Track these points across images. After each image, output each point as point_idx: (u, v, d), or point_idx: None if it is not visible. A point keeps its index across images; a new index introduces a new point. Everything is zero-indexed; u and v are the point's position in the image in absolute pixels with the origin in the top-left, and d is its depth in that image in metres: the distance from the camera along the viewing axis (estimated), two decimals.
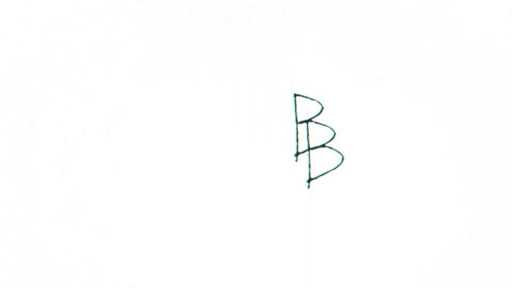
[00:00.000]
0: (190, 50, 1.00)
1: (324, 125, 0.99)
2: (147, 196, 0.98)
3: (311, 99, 0.99)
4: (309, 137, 0.99)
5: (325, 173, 0.99)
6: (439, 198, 0.99)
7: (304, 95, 0.99)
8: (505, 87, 1.00)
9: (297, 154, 0.99)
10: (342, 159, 0.99)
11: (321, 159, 0.99)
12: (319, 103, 0.99)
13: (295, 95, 0.99)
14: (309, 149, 0.99)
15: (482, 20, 1.00)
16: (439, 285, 0.98)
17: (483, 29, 1.00)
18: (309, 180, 0.99)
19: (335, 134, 0.99)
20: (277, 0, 1.00)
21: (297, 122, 0.99)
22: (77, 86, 0.99)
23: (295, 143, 0.99)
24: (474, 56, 1.00)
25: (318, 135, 0.99)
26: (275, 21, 1.00)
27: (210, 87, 0.99)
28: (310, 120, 0.99)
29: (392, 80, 1.00)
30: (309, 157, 0.99)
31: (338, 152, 0.99)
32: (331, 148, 0.99)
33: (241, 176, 0.98)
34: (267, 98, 0.99)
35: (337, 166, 0.99)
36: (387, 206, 0.99)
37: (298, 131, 0.99)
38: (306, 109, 0.99)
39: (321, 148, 0.99)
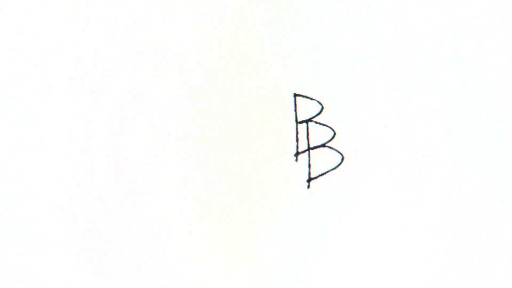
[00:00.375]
0: (190, 50, 1.00)
1: (324, 125, 0.99)
2: (150, 195, 0.98)
3: (311, 99, 0.99)
4: (309, 137, 0.99)
5: (325, 173, 0.99)
6: (439, 198, 0.99)
7: (304, 95, 0.99)
8: (505, 88, 1.00)
9: (297, 154, 0.99)
10: (342, 159, 0.99)
11: (321, 159, 0.99)
12: (319, 103, 0.99)
13: (295, 95, 0.99)
14: (309, 149, 0.99)
15: (481, 21, 1.00)
16: (438, 286, 0.98)
17: (482, 30, 1.00)
18: (309, 180, 0.99)
19: (335, 134, 0.99)
20: (277, 0, 1.00)
21: (297, 122, 0.99)
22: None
23: (295, 143, 0.99)
24: (475, 56, 1.00)
25: (318, 135, 0.99)
26: (275, 20, 1.00)
27: (210, 87, 0.99)
28: (310, 120, 0.99)
29: (392, 80, 1.00)
30: (309, 157, 0.99)
31: (338, 152, 0.99)
32: (331, 148, 0.99)
33: (241, 176, 0.98)
34: (267, 98, 0.99)
35: (337, 166, 0.99)
36: (387, 206, 0.99)
37: (298, 131, 0.99)
38: (306, 109, 0.99)
39: (321, 148, 0.99)
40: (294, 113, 0.99)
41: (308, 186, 0.99)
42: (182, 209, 0.98)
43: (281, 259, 0.98)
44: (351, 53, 1.00)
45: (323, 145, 0.99)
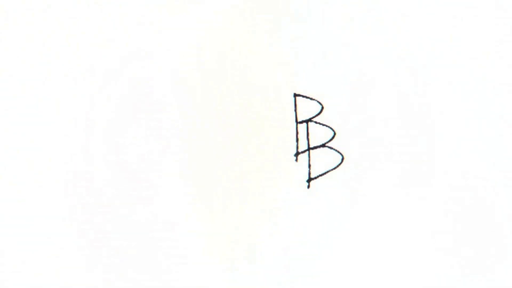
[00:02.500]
0: (190, 50, 1.00)
1: (324, 125, 0.99)
2: (150, 195, 0.98)
3: (311, 99, 0.99)
4: (309, 137, 0.99)
5: (325, 173, 0.99)
6: (439, 197, 0.99)
7: (304, 95, 0.99)
8: (505, 88, 1.00)
9: (297, 154, 0.99)
10: (342, 159, 0.99)
11: (321, 159, 0.99)
12: (319, 103, 0.99)
13: (295, 95, 0.99)
14: (309, 149, 0.99)
15: (482, 21, 1.00)
16: (439, 286, 0.98)
17: (482, 30, 1.00)
18: (309, 180, 0.99)
19: (335, 134, 0.99)
20: (277, 0, 1.00)
21: (297, 122, 0.99)
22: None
23: (295, 143, 0.99)
24: (475, 56, 1.00)
25: (318, 135, 0.99)
26: (275, 20, 1.00)
27: (210, 87, 0.99)
28: (310, 120, 0.99)
29: (392, 80, 1.00)
30: (309, 157, 0.99)
31: (338, 152, 0.99)
32: (331, 148, 0.99)
33: (241, 176, 0.98)
34: (267, 98, 0.99)
35: (337, 166, 0.99)
36: (387, 206, 0.99)
37: (298, 131, 0.99)
38: (306, 109, 0.99)
39: (321, 148, 0.99)
40: (294, 113, 0.99)
41: (308, 186, 0.99)
42: (182, 209, 0.98)
43: (281, 259, 0.98)
44: (351, 53, 1.00)
45: (323, 145, 0.99)
